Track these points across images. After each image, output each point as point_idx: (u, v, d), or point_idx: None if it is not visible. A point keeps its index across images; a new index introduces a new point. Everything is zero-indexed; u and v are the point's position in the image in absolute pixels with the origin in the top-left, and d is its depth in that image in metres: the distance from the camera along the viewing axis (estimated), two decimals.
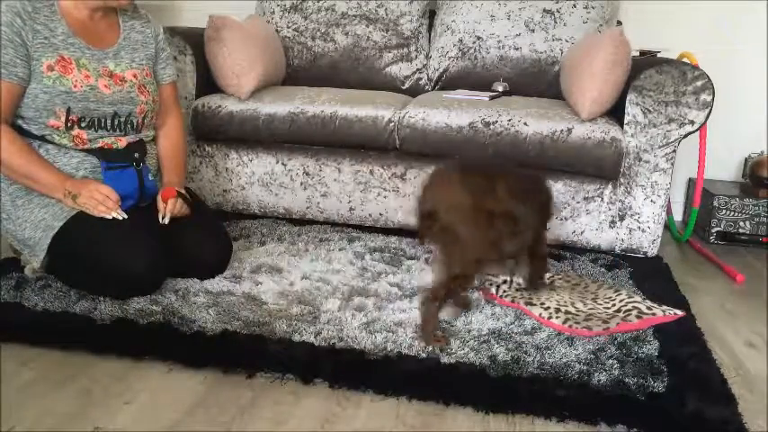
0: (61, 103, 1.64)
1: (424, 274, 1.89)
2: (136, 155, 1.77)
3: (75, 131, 1.68)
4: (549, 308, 1.65)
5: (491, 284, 1.80)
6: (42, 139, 1.67)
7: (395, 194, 2.29)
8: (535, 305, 1.67)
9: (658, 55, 2.38)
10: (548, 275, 1.89)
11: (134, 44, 1.81)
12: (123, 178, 1.73)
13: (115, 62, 1.75)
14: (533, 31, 2.52)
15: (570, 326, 1.57)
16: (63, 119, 1.65)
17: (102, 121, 1.71)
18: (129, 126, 1.77)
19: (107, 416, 1.24)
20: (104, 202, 1.64)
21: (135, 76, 1.78)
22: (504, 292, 1.76)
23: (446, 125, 2.14)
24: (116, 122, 1.74)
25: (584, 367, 1.40)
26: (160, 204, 1.78)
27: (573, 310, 1.65)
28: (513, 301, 1.71)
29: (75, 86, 1.65)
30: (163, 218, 1.76)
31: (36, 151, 1.66)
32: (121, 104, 1.74)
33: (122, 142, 1.76)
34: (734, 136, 2.72)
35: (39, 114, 1.64)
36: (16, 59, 1.59)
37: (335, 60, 2.69)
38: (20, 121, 1.66)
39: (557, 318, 1.60)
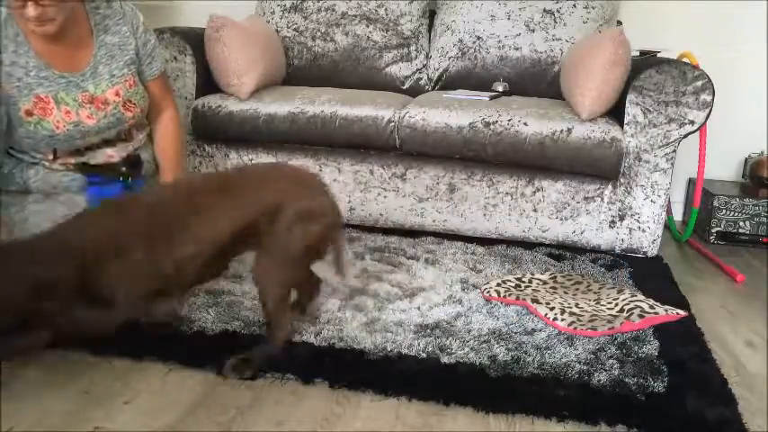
0: (46, 146, 1.62)
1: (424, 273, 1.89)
2: (123, 169, 1.71)
3: (64, 159, 1.68)
4: (554, 308, 1.65)
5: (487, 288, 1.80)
6: (34, 163, 1.68)
7: (395, 194, 2.29)
8: (541, 303, 1.67)
9: (658, 55, 2.38)
10: (548, 274, 1.90)
11: (111, 51, 1.69)
12: (106, 193, 1.66)
13: (94, 83, 1.66)
14: (533, 31, 2.52)
15: (575, 327, 1.57)
16: (51, 156, 1.65)
17: (91, 146, 1.71)
18: (117, 140, 1.76)
19: (107, 416, 1.24)
20: None
21: (117, 93, 1.69)
22: (507, 291, 1.76)
23: (446, 125, 2.14)
24: (104, 142, 1.73)
25: (585, 367, 1.40)
26: None
27: (577, 311, 1.65)
28: (517, 299, 1.71)
29: (57, 128, 1.60)
30: None
31: None
32: (108, 129, 1.70)
33: (114, 158, 1.74)
34: (734, 136, 2.72)
35: (27, 150, 1.64)
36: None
37: (335, 60, 2.69)
38: (12, 151, 1.66)
39: (562, 320, 1.60)
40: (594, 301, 1.73)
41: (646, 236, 2.13)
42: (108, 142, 1.73)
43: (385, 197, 2.30)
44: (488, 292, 1.78)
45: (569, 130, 2.06)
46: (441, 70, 2.63)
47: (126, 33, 1.73)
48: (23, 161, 1.67)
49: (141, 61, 1.79)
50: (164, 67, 1.89)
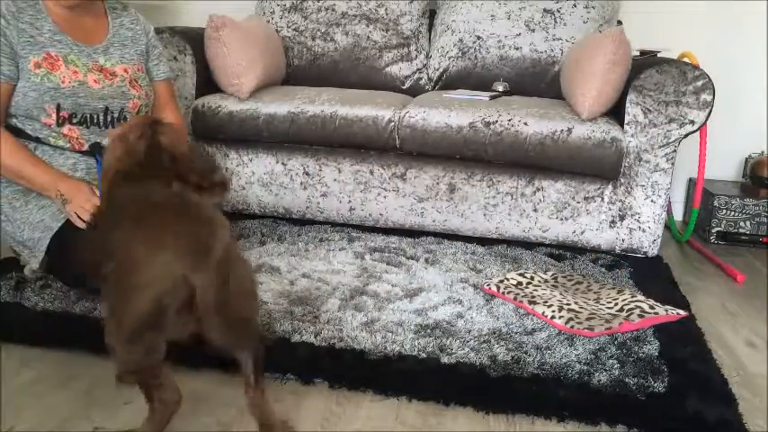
0: (50, 100, 1.64)
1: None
2: None
3: (67, 128, 1.67)
4: (551, 305, 1.65)
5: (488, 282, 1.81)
6: (38, 140, 1.67)
7: (395, 194, 2.29)
8: (538, 303, 1.67)
9: (658, 55, 2.38)
10: (550, 273, 1.90)
11: (124, 40, 1.80)
12: None
13: (105, 57, 1.74)
14: (533, 30, 2.52)
15: (572, 326, 1.57)
16: (54, 116, 1.65)
17: (95, 117, 1.71)
18: (122, 122, 1.76)
19: (107, 416, 1.24)
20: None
21: (126, 70, 1.77)
22: (507, 288, 1.76)
23: (446, 125, 2.14)
24: (108, 118, 1.73)
25: (585, 367, 1.40)
26: None
27: (576, 308, 1.65)
28: (515, 299, 1.71)
29: (63, 82, 1.65)
30: None
31: (30, 151, 1.66)
32: (112, 99, 1.73)
33: None
34: (734, 136, 2.72)
35: (30, 112, 1.64)
36: (1, 58, 1.60)
37: (335, 60, 2.69)
38: (14, 121, 1.66)
39: (560, 318, 1.60)
40: (594, 300, 1.73)
41: (646, 236, 2.13)
42: (113, 127, 1.74)
43: (385, 197, 2.30)
44: (489, 285, 1.79)
45: (569, 130, 2.06)
46: (441, 70, 2.63)
47: (139, 31, 1.85)
48: (27, 140, 1.67)
49: (149, 59, 1.88)
50: (171, 76, 1.97)
